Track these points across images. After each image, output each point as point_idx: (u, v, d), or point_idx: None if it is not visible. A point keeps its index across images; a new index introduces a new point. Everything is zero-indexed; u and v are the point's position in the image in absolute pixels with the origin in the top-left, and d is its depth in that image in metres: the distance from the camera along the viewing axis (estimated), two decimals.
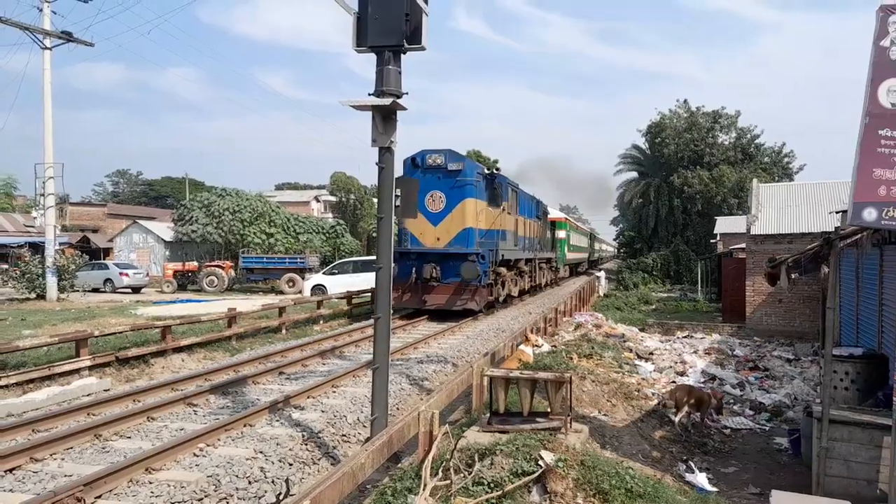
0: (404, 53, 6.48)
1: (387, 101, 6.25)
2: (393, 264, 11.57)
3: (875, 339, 10.23)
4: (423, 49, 6.36)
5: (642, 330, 19.13)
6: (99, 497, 5.53)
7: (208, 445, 6.93)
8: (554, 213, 38.23)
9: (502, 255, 20.17)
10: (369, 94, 6.64)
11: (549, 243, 34.19)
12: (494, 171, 20.98)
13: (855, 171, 5.43)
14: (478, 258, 18.14)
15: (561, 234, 38.55)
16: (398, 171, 12.58)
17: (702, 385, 11.55)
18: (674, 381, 11.90)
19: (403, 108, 6.48)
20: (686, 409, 9.19)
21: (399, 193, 6.76)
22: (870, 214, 5.40)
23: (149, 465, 6.16)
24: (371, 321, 9.20)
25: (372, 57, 6.56)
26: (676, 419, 9.17)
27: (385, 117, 6.47)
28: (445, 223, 19.09)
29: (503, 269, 20.68)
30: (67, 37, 25.02)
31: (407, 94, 6.49)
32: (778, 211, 21.49)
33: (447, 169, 18.83)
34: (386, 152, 6.56)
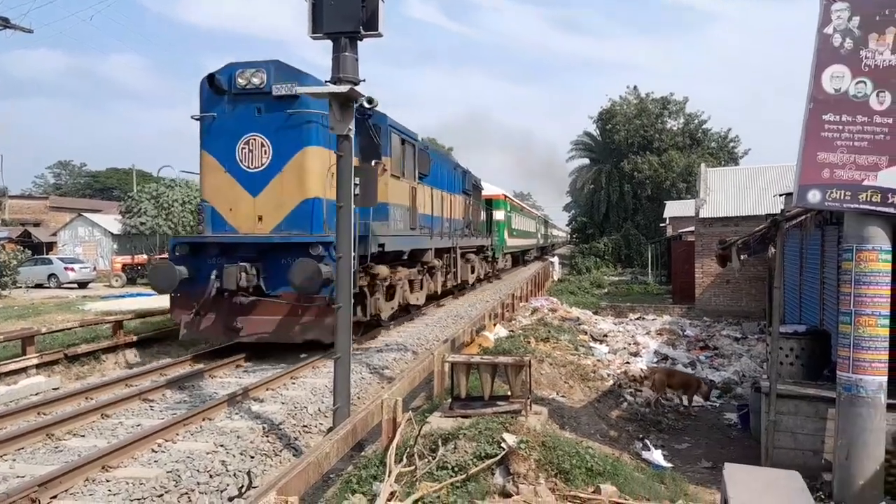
0: (361, 40, 6.43)
1: (344, 88, 6.20)
2: (176, 264, 10.21)
3: (817, 316, 10.67)
4: (379, 35, 6.33)
5: (596, 313, 19.51)
6: (54, 497, 5.38)
7: (167, 441, 6.80)
8: (490, 189, 31.32)
9: (381, 245, 11.95)
10: (326, 82, 6.58)
11: (482, 227, 27.41)
12: (368, 106, 9.79)
13: (800, 155, 5.64)
14: (327, 251, 10.25)
15: (498, 215, 31.64)
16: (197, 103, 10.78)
17: (685, 369, 11.82)
18: (627, 362, 12.20)
19: (361, 96, 6.44)
20: (666, 390, 9.47)
21: (358, 181, 6.72)
22: (814, 196, 5.61)
23: (105, 463, 6.02)
24: None
25: (328, 44, 6.49)
26: (649, 398, 9.42)
27: (343, 105, 6.41)
28: (271, 191, 11.03)
29: (384, 269, 12.48)
30: (4, 23, 23.90)
31: (364, 80, 6.44)
32: (725, 194, 22.12)
33: (272, 96, 10.64)
34: (344, 140, 6.51)
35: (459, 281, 20.77)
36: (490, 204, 30.40)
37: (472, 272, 23.27)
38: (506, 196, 34.78)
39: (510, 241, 34.68)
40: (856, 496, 5.43)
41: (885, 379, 5.39)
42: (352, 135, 6.49)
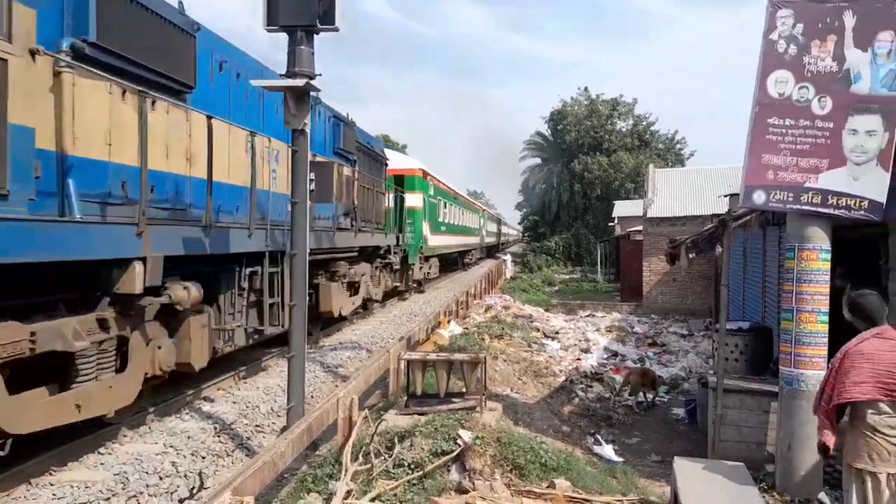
0: (317, 34, 6.36)
1: (300, 81, 6.11)
2: None
3: (759, 314, 11.07)
4: (336, 30, 6.26)
5: (547, 310, 19.76)
6: None
7: (113, 442, 6.60)
8: (404, 162, 22.68)
9: None
10: (281, 76, 6.48)
11: (391, 219, 17.83)
12: None
13: (746, 157, 5.84)
14: None
15: (414, 200, 21.65)
16: None
17: (644, 365, 12.02)
18: (579, 359, 12.41)
19: (317, 90, 6.36)
20: (643, 390, 9.66)
21: (314, 177, 6.65)
22: (759, 197, 5.82)
23: (48, 467, 5.81)
24: None
25: (282, 37, 6.38)
26: (634, 401, 9.61)
27: (298, 98, 6.33)
28: None
29: None
30: None
31: (320, 75, 6.36)
32: (672, 195, 22.69)
33: None
34: (300, 134, 6.43)
35: (324, 310, 12.08)
36: (401, 183, 20.67)
37: (351, 293, 13.57)
38: (426, 173, 23.34)
39: (435, 238, 24.85)
40: (797, 486, 5.66)
41: (824, 374, 5.64)
42: (307, 129, 6.41)
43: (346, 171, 13.12)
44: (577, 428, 8.42)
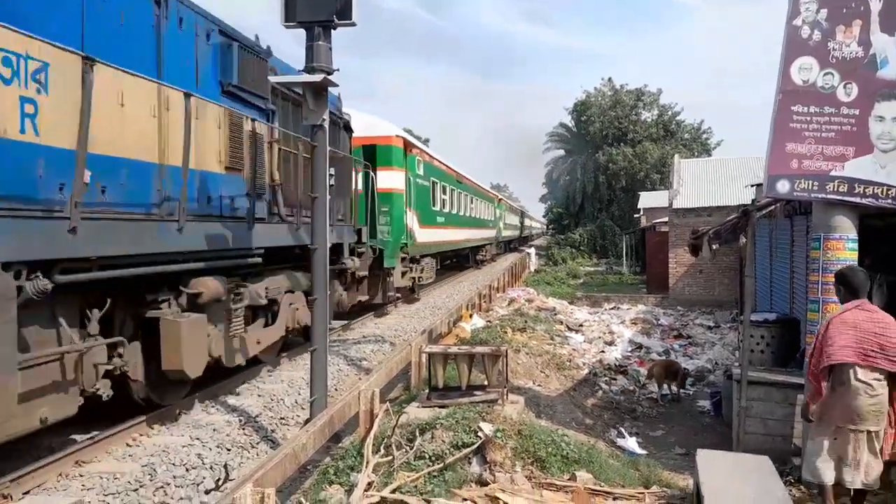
0: (335, 29, 6.38)
1: (318, 77, 6.15)
2: None
3: (787, 305, 10.89)
4: (353, 24, 6.28)
5: (571, 303, 19.67)
6: (27, 493, 5.30)
7: (142, 435, 6.73)
8: (373, 128, 15.43)
9: None
10: (299, 71, 6.52)
11: (343, 207, 11.36)
12: None
13: (769, 146, 5.74)
14: None
15: (390, 180, 15.60)
16: None
17: (669, 357, 11.95)
18: (603, 351, 12.34)
19: (335, 85, 6.39)
20: (666, 382, 9.62)
21: (333, 172, 6.69)
22: (783, 186, 5.72)
23: (78, 458, 5.95)
24: None
25: (300, 34, 6.43)
26: (658, 394, 9.58)
27: (317, 94, 6.37)
28: None
29: None
30: None
31: (338, 70, 6.40)
32: (697, 185, 22.40)
33: None
34: (319, 130, 6.47)
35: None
36: (372, 157, 14.81)
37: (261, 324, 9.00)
38: (409, 144, 17.21)
39: (428, 232, 19.14)
40: None
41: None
42: (326, 124, 6.45)
43: (254, 126, 8.13)
44: (600, 421, 8.39)
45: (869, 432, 4.56)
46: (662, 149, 44.03)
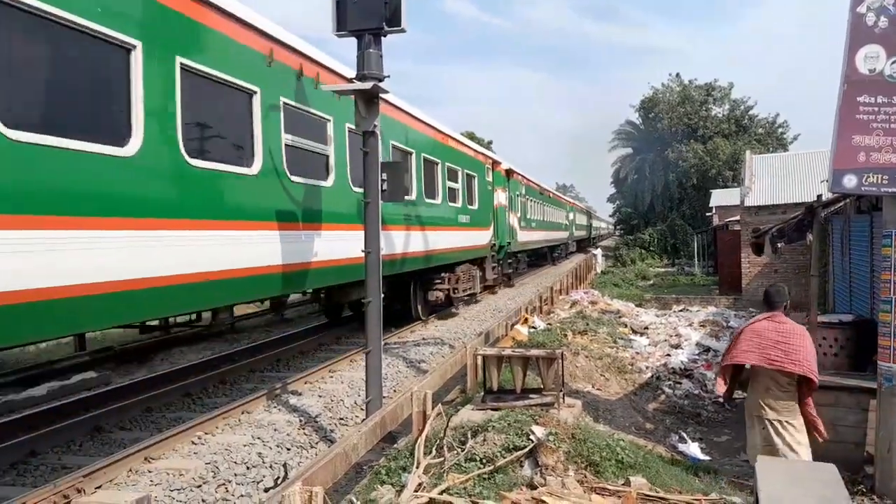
0: (384, 36, 6.48)
1: (368, 84, 6.26)
2: None
3: (867, 306, 10.31)
4: (403, 31, 6.36)
5: (640, 305, 19.24)
6: (99, 487, 5.61)
7: (206, 433, 7.01)
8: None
9: None
10: (351, 79, 6.66)
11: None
12: None
13: (834, 139, 5.48)
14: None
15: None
16: None
17: None
18: (668, 355, 12.01)
19: (385, 91, 6.49)
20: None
21: (385, 177, 6.80)
22: (850, 181, 5.45)
23: (147, 454, 6.25)
24: None
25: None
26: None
27: (368, 101, 6.48)
28: None
29: None
30: None
31: (389, 76, 6.50)
32: (772, 181, 21.52)
33: None
34: (370, 136, 6.58)
35: None
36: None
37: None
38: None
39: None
40: None
41: None
42: (378, 131, 6.55)
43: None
44: (661, 425, 8.18)
45: (780, 422, 5.50)
46: (735, 145, 42.52)
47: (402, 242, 10.96)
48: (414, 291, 13.81)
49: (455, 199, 14.59)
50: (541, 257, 35.74)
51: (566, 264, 35.54)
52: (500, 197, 19.65)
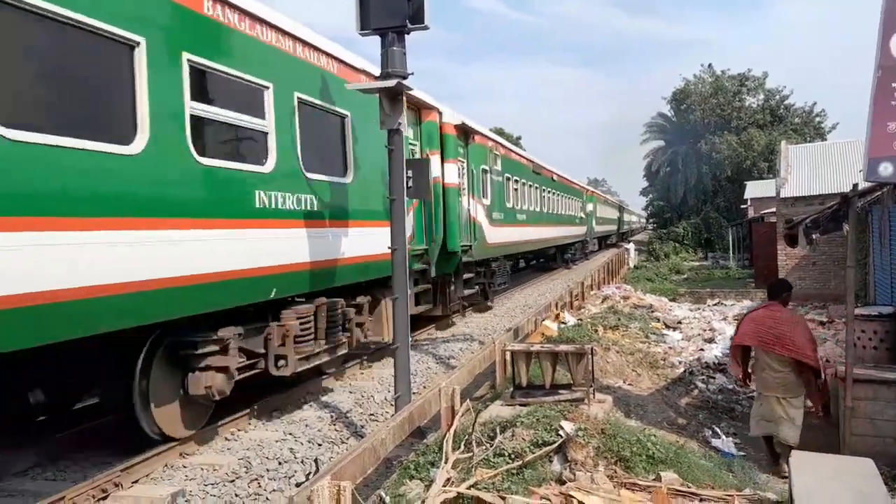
0: (408, 34, 6.50)
1: (392, 82, 6.29)
2: None
3: None
4: (426, 28, 6.38)
5: (673, 300, 18.97)
6: (136, 482, 5.75)
7: (239, 430, 7.13)
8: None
9: None
10: (376, 77, 6.69)
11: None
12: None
13: (869, 127, 5.33)
14: None
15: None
16: None
17: None
18: (701, 349, 11.83)
19: (409, 89, 6.52)
20: None
21: (410, 174, 6.83)
22: (885, 169, 5.30)
23: (182, 450, 6.39)
24: None
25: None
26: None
27: (392, 99, 6.51)
28: None
29: None
30: None
31: (412, 74, 6.51)
32: (809, 172, 21.01)
33: None
34: (395, 134, 6.61)
35: None
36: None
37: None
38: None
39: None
40: None
41: None
42: (403, 129, 6.58)
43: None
44: (694, 420, 8.06)
45: (777, 398, 6.37)
46: (770, 135, 41.61)
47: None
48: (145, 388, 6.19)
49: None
50: (549, 259, 30.33)
51: (588, 265, 30.67)
52: (450, 172, 11.98)
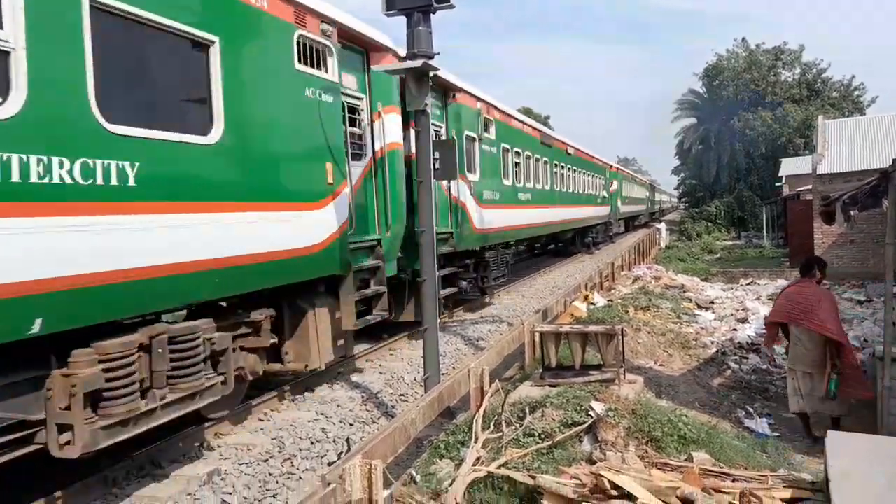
0: (433, 13, 6.46)
1: (418, 63, 6.26)
2: None
3: None
4: (451, 7, 6.33)
5: (706, 280, 18.71)
6: (173, 462, 5.89)
7: (272, 410, 7.25)
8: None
9: None
10: (402, 58, 6.67)
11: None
12: None
13: None
14: None
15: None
16: None
17: None
18: (734, 329, 11.68)
19: (436, 69, 6.48)
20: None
21: (437, 156, 6.81)
22: None
23: (217, 430, 6.51)
24: None
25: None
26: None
27: (418, 79, 6.48)
28: None
29: None
30: None
31: (438, 53, 6.47)
32: (847, 148, 20.46)
33: None
34: (422, 115, 6.59)
35: None
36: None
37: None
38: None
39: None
40: None
41: None
42: (429, 109, 6.56)
43: None
44: (727, 401, 7.98)
45: (804, 372, 6.67)
46: (806, 110, 40.58)
47: None
48: None
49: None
50: (569, 243, 26.85)
51: (611, 250, 27.81)
52: (391, 127, 8.76)
